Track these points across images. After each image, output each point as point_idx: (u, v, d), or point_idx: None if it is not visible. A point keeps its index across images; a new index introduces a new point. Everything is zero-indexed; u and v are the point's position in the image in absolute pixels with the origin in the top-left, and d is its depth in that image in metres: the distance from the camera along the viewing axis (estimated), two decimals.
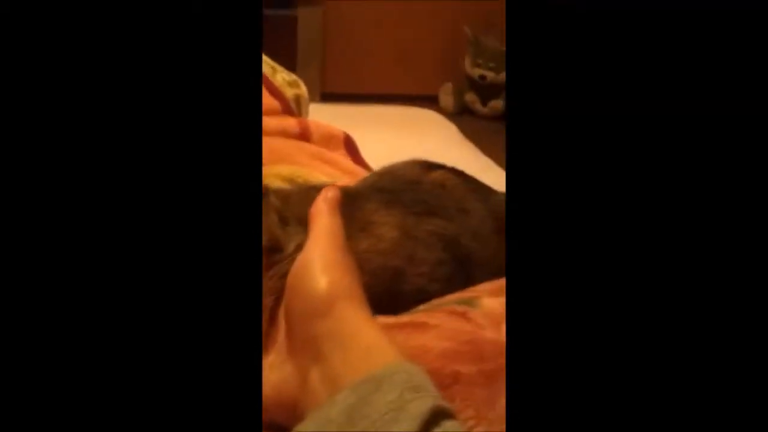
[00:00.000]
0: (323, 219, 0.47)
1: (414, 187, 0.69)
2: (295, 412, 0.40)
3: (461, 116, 3.07)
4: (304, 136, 1.14)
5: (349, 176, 0.93)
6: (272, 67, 1.29)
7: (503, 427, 0.40)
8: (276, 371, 0.43)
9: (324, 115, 1.58)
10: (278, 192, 0.58)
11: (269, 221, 0.52)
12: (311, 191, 0.57)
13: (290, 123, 1.14)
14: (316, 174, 0.86)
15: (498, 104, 3.02)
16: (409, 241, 0.61)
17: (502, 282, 0.59)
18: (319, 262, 0.44)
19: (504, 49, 2.91)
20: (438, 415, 0.35)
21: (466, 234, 0.66)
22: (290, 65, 1.45)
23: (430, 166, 0.73)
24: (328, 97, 2.82)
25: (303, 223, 0.50)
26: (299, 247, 0.48)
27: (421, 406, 0.34)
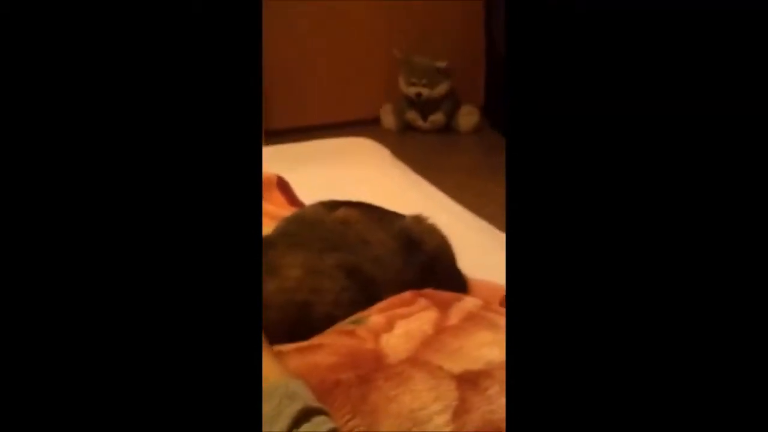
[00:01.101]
0: None
1: (318, 227, 0.81)
2: None
3: (404, 133, 3.20)
4: None
5: (275, 221, 1.04)
6: None
7: (374, 415, 0.53)
8: None
9: (263, 157, 1.69)
10: None
11: None
12: None
13: None
14: None
15: (438, 118, 3.16)
16: (313, 276, 0.73)
17: (392, 299, 0.71)
18: None
19: (435, 64, 3.06)
20: (308, 413, 0.47)
21: (367, 261, 0.78)
22: None
23: (333, 206, 0.86)
24: (272, 134, 2.91)
25: None
26: None
27: (292, 408, 0.46)
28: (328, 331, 0.67)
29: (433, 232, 0.89)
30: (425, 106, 3.15)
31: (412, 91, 3.11)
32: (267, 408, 0.47)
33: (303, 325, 0.70)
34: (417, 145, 3.02)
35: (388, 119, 3.26)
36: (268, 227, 0.97)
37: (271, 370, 0.52)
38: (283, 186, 1.35)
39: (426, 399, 0.54)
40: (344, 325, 0.66)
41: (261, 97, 0.46)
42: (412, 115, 3.20)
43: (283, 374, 0.51)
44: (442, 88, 3.11)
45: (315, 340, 0.64)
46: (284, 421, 0.45)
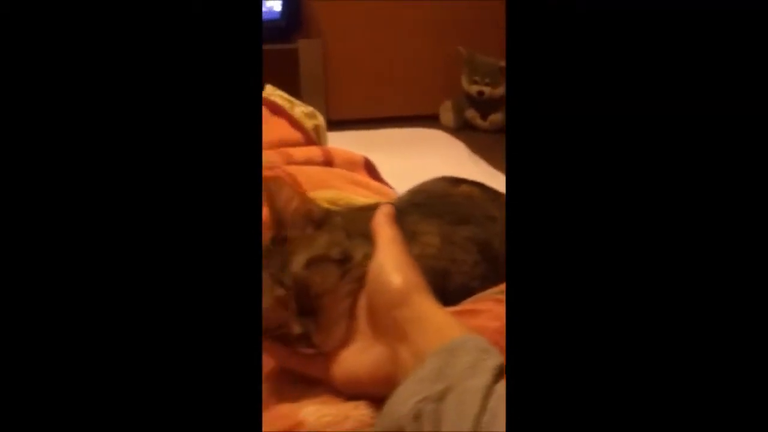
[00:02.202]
0: (386, 229, 0.58)
1: (446, 200, 0.79)
2: (389, 382, 0.49)
3: (463, 132, 3.18)
4: (328, 163, 1.22)
5: (379, 196, 1.03)
6: (290, 101, 1.38)
7: None
8: (367, 354, 0.53)
9: (338, 142, 1.69)
10: (340, 213, 0.68)
11: (338, 237, 0.62)
12: (363, 210, 0.68)
13: (315, 152, 1.22)
14: (354, 196, 0.96)
15: (497, 117, 3.14)
16: (450, 246, 0.71)
17: None
18: (391, 264, 0.54)
19: (499, 64, 3.04)
20: (503, 370, 0.45)
21: (495, 238, 0.77)
22: (294, 96, 1.52)
23: (456, 181, 0.84)
24: (334, 124, 2.92)
25: (364, 237, 0.61)
26: (366, 256, 0.58)
27: (491, 362, 0.44)
28: (473, 299, 0.65)
29: None
30: (486, 105, 3.13)
31: (474, 89, 3.10)
32: (463, 360, 0.45)
33: (441, 292, 0.68)
34: (475, 144, 3.00)
35: (447, 116, 3.24)
36: (369, 199, 0.96)
37: (452, 325, 0.50)
38: (369, 167, 1.34)
39: None
40: (491, 294, 0.65)
41: (261, 97, 0.46)
42: (472, 114, 3.19)
43: (466, 330, 0.49)
44: (504, 89, 3.09)
45: (467, 306, 0.62)
46: (485, 374, 0.43)
